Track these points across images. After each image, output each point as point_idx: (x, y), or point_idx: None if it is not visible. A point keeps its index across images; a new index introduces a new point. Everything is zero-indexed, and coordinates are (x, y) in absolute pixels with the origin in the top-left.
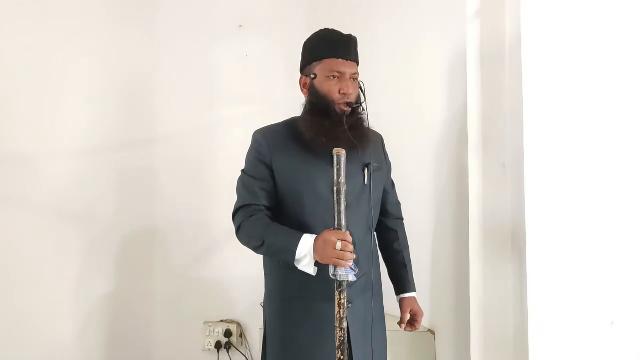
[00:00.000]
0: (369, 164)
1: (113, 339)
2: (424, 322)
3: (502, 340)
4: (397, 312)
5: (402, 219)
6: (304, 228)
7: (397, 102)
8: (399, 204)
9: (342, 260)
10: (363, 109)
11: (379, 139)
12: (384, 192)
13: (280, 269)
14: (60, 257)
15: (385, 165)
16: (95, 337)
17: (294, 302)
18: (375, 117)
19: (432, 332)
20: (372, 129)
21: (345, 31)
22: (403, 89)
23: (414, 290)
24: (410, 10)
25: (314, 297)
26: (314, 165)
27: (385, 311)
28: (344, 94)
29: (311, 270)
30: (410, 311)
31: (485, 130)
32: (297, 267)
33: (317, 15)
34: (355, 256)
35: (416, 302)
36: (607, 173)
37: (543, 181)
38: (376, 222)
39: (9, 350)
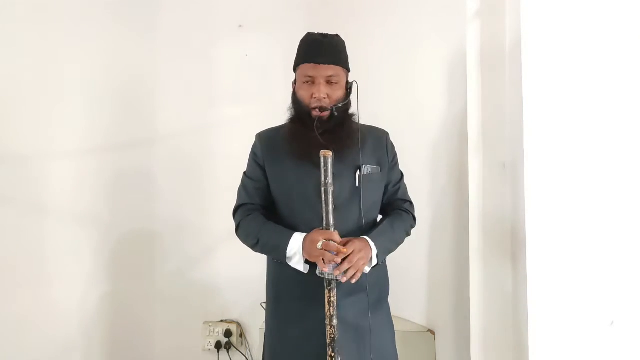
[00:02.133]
0: (360, 165)
1: (113, 339)
2: (424, 322)
3: (502, 340)
4: (402, 314)
5: (407, 212)
6: (292, 228)
7: (396, 103)
8: (405, 201)
9: (324, 259)
10: (348, 111)
11: (381, 137)
12: (386, 189)
13: (275, 266)
14: (60, 258)
15: (387, 164)
16: (95, 337)
17: (285, 299)
18: (375, 118)
19: (432, 332)
20: (376, 126)
21: (344, 31)
22: (403, 90)
23: (371, 239)
24: (410, 10)
25: (303, 295)
26: (300, 168)
27: (393, 313)
28: (315, 98)
29: (302, 267)
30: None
31: (485, 130)
32: (290, 265)
33: (316, 15)
34: (338, 258)
35: (361, 241)
36: (607, 173)
37: (543, 181)
38: (370, 222)
39: (10, 350)
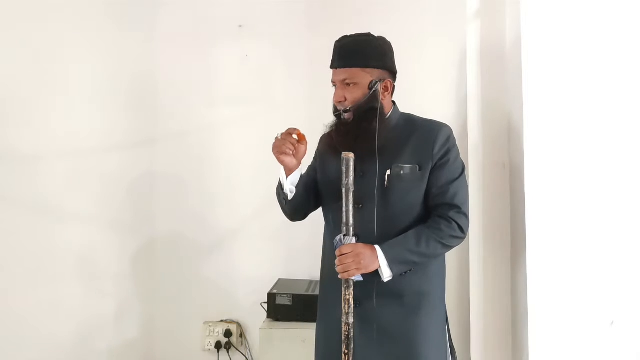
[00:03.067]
0: (392, 165)
1: (113, 339)
2: None
3: (502, 340)
4: None
5: (449, 220)
6: (326, 220)
7: (397, 103)
8: (452, 207)
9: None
10: (373, 110)
11: (432, 131)
12: (431, 190)
13: (322, 258)
14: (61, 257)
15: (430, 162)
16: (95, 337)
17: (324, 290)
18: None
19: None
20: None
21: (345, 32)
22: (403, 90)
23: (381, 248)
24: (410, 10)
25: (337, 289)
26: (333, 166)
27: None
28: (335, 102)
29: (287, 189)
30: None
31: (485, 130)
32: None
33: (317, 16)
34: (291, 139)
35: (365, 247)
36: (607, 173)
37: (543, 181)
38: (400, 225)
39: (9, 350)
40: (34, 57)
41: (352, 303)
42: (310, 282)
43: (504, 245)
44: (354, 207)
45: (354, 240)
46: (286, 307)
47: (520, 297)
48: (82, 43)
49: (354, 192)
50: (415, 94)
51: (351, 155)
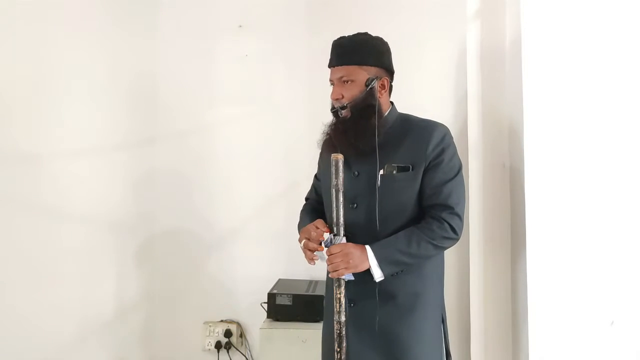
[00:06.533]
0: (385, 165)
1: (113, 339)
2: None
3: (502, 340)
4: None
5: (441, 220)
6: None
7: (396, 103)
8: (445, 207)
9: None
10: (369, 108)
11: (425, 131)
12: (424, 191)
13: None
14: (61, 257)
15: (423, 162)
16: (95, 337)
17: (328, 291)
18: None
19: None
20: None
21: (344, 32)
22: (403, 90)
23: (371, 248)
24: (410, 10)
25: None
26: (327, 169)
27: None
28: (333, 99)
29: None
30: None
31: (486, 130)
32: None
33: (317, 16)
34: (314, 256)
35: (355, 247)
36: (607, 173)
37: (543, 181)
38: (393, 226)
39: (10, 350)
40: (35, 57)
41: (344, 302)
42: (310, 282)
43: (504, 245)
44: (348, 206)
45: (344, 240)
46: (286, 307)
47: (520, 297)
48: (83, 43)
49: (348, 191)
50: (415, 94)
51: (340, 157)
